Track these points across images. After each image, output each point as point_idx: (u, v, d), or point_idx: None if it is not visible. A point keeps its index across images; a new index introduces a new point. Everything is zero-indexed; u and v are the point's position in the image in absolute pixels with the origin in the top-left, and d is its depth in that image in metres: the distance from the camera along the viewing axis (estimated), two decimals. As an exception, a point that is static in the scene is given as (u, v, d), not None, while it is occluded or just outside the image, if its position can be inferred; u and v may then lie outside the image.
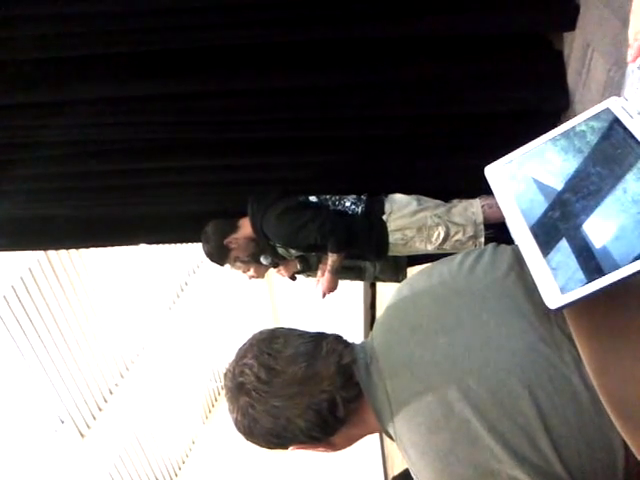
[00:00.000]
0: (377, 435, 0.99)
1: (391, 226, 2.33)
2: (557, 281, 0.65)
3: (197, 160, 2.49)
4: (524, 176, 0.80)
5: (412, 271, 2.75)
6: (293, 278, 2.77)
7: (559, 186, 0.75)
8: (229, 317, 8.68)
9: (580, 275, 0.64)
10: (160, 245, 3.15)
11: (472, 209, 2.32)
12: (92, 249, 3.43)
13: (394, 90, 2.21)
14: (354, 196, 2.42)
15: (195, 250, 4.69)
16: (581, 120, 0.78)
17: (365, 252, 2.49)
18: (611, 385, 0.72)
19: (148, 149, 2.41)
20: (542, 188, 0.77)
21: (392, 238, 2.33)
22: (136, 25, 2.00)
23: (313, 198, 2.43)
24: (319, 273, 2.62)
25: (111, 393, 6.69)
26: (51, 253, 5.38)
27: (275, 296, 9.23)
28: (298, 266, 2.72)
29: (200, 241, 2.53)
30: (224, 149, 2.41)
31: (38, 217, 2.70)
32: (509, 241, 0.97)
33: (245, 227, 2.45)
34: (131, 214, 2.71)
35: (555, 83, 2.15)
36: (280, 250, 2.62)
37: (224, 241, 2.45)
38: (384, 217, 2.34)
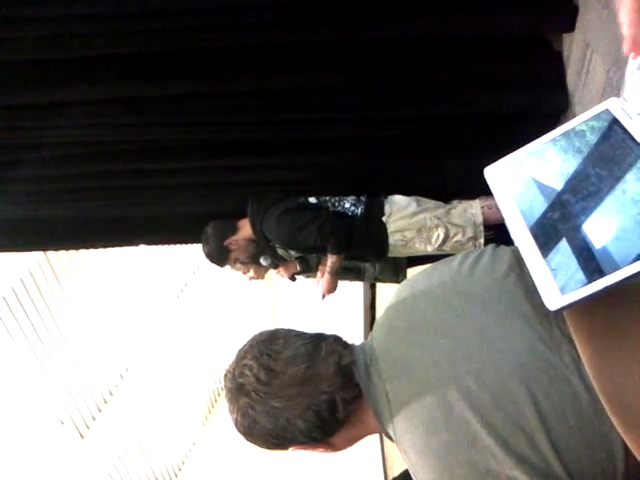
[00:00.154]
0: (377, 436, 0.99)
1: (391, 227, 2.33)
2: (557, 282, 0.65)
3: (197, 161, 2.49)
4: (523, 177, 0.80)
5: (412, 272, 2.75)
6: (293, 279, 2.77)
7: (559, 187, 0.75)
8: (229, 318, 8.68)
9: (580, 276, 0.64)
10: (160, 246, 3.14)
11: (472, 210, 2.32)
12: (92, 250, 3.42)
13: (394, 91, 2.21)
14: (354, 197, 2.42)
15: (195, 251, 4.69)
16: (581, 121, 0.78)
17: (365, 253, 2.49)
18: (611, 386, 0.72)
19: (148, 150, 2.41)
20: (542, 189, 0.77)
21: (392, 239, 2.33)
22: (136, 26, 2.00)
23: (313, 199, 2.43)
24: (319, 274, 2.62)
25: (111, 394, 6.69)
26: (51, 254, 5.38)
27: (275, 297, 9.23)
28: (298, 267, 2.72)
29: (200, 242, 2.53)
30: (224, 150, 2.41)
31: (38, 218, 2.69)
32: (509, 242, 0.97)
33: (245, 228, 2.45)
34: (131, 215, 2.71)
35: (554, 84, 2.15)
36: (280, 251, 2.62)
37: (224, 242, 2.45)
38: (384, 218, 2.34)
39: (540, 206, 0.75)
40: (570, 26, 2.02)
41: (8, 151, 2.39)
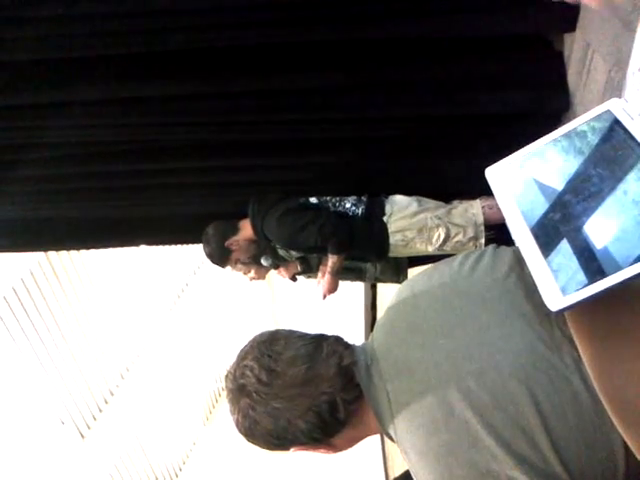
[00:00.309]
0: (378, 436, 0.99)
1: (391, 227, 2.33)
2: (558, 283, 0.65)
3: (197, 161, 2.49)
4: (525, 177, 0.80)
5: (413, 272, 2.75)
6: (294, 279, 2.77)
7: (560, 187, 0.75)
8: (230, 318, 8.68)
9: (581, 277, 0.64)
10: (160, 246, 3.14)
11: (473, 210, 2.32)
12: (92, 250, 3.43)
13: (394, 91, 2.21)
14: (354, 197, 2.42)
15: (196, 251, 4.70)
16: (582, 121, 0.78)
17: (366, 253, 2.49)
18: (612, 387, 0.72)
19: (148, 150, 2.41)
20: (543, 189, 0.77)
21: (392, 239, 2.33)
22: (137, 26, 2.01)
23: (313, 199, 2.43)
24: (319, 274, 2.62)
25: (112, 394, 6.70)
26: (52, 254, 5.38)
27: (276, 297, 9.22)
28: (299, 267, 2.72)
29: (200, 242, 2.53)
30: (224, 150, 2.41)
31: (39, 218, 2.70)
32: (510, 242, 0.97)
33: (246, 229, 2.45)
34: (132, 215, 2.71)
35: (555, 84, 2.15)
36: (281, 251, 2.62)
37: (225, 243, 2.45)
38: (384, 218, 2.34)
39: (541, 206, 0.75)
40: (571, 26, 2.02)
41: (9, 151, 2.39)
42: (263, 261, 2.57)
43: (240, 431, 0.93)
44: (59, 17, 1.95)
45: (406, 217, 2.33)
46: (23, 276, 5.16)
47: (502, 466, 0.76)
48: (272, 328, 0.98)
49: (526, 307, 0.84)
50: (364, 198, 2.41)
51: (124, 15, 1.97)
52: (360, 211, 2.39)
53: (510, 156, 0.84)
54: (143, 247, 3.00)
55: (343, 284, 2.59)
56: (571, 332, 0.78)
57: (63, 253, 5.47)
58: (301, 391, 0.88)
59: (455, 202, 2.40)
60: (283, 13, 2.00)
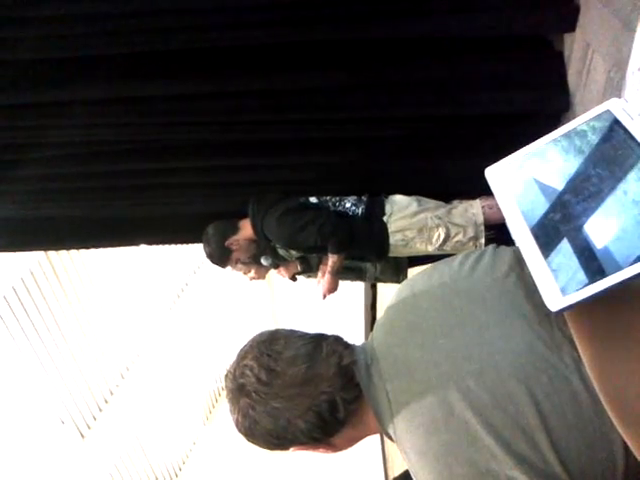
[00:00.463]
0: (378, 436, 0.99)
1: (392, 227, 2.33)
2: (558, 283, 0.65)
3: (199, 161, 2.49)
4: (525, 177, 0.80)
5: (413, 272, 2.75)
6: (294, 279, 2.77)
7: (560, 187, 0.75)
8: (230, 318, 8.68)
9: (581, 276, 0.63)
10: (161, 246, 3.14)
11: (473, 210, 2.32)
12: (92, 250, 3.43)
13: (396, 91, 2.21)
14: (354, 197, 2.42)
15: (196, 251, 4.70)
16: (582, 121, 0.78)
17: (366, 253, 2.49)
18: (612, 387, 0.72)
19: (150, 150, 2.41)
20: (543, 189, 0.76)
21: (392, 239, 2.33)
22: (138, 26, 2.01)
23: (313, 199, 2.43)
24: (319, 274, 2.62)
25: (111, 394, 6.70)
26: (52, 254, 5.38)
27: (276, 297, 9.22)
28: (299, 267, 2.72)
29: (201, 242, 2.53)
30: (226, 150, 2.41)
31: (39, 217, 2.70)
32: (510, 242, 0.97)
33: (246, 228, 2.45)
34: (132, 215, 2.71)
35: (555, 84, 2.15)
36: (281, 251, 2.62)
37: (225, 242, 2.45)
38: (384, 218, 2.34)
39: (541, 206, 0.75)
40: (571, 26, 2.02)
41: (10, 150, 2.39)
42: (263, 261, 2.58)
43: (240, 431, 0.93)
44: (61, 16, 1.96)
45: (406, 217, 2.33)
46: (23, 276, 5.16)
47: (502, 466, 0.76)
48: (272, 328, 0.98)
49: (526, 307, 0.84)
50: (364, 198, 2.42)
51: (127, 14, 1.97)
52: (360, 211, 2.39)
53: (510, 156, 0.84)
54: (143, 247, 3.00)
55: (343, 284, 2.59)
56: (571, 332, 0.78)
57: (63, 253, 5.47)
58: (301, 391, 0.88)
59: (455, 202, 2.40)
60: (285, 13, 2.00)
